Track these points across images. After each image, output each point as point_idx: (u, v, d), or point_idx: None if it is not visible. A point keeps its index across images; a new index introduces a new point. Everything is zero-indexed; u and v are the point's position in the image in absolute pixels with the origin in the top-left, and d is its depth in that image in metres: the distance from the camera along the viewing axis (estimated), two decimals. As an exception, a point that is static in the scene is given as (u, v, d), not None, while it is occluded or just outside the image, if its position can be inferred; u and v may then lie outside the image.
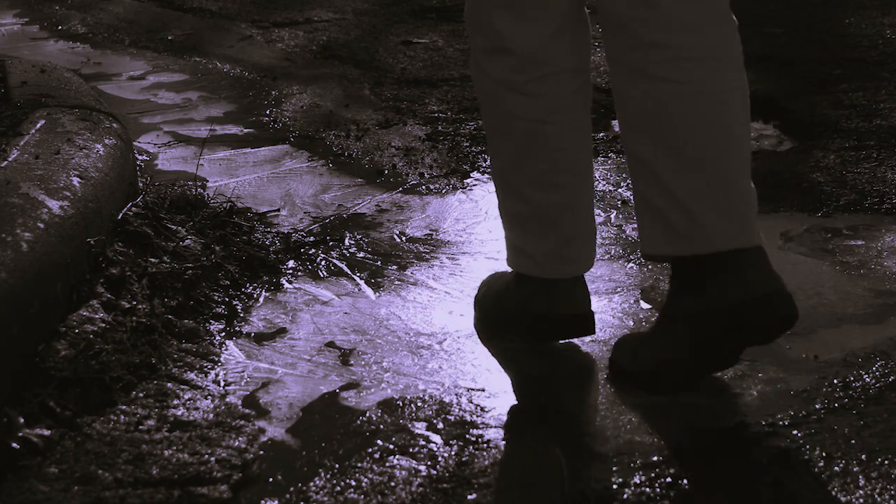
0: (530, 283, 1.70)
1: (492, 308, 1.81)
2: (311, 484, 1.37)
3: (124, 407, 1.52)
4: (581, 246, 1.69)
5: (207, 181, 2.54)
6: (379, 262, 2.09)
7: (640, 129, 1.56)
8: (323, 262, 2.09)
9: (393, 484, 1.38)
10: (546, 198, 1.65)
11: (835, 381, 1.62)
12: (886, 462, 1.40)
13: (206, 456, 1.42)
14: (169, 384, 1.60)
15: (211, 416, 1.52)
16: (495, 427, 1.51)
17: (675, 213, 1.53)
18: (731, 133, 1.55)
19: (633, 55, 1.54)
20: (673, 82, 1.52)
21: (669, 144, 1.53)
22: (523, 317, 1.72)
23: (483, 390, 1.62)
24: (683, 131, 1.52)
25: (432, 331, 1.81)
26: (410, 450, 1.45)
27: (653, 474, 1.39)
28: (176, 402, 1.55)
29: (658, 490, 1.36)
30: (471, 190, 2.49)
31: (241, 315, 1.85)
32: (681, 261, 1.56)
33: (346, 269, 2.06)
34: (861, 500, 1.33)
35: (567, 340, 1.75)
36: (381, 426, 1.51)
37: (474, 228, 2.27)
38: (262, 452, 1.44)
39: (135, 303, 1.74)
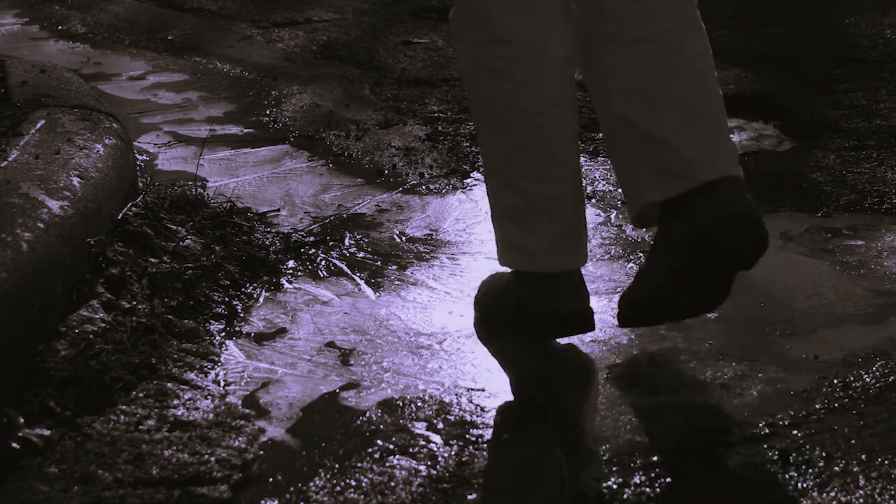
0: (529, 279, 1.70)
1: (492, 307, 1.81)
2: (311, 484, 1.37)
3: (124, 407, 1.52)
4: (577, 239, 1.70)
5: (207, 181, 2.54)
6: (379, 262, 2.09)
7: (619, 92, 1.63)
8: (323, 262, 2.09)
9: (393, 484, 1.38)
10: (544, 190, 1.65)
11: (835, 381, 1.62)
12: (886, 462, 1.40)
13: (206, 456, 1.42)
14: (169, 384, 1.60)
15: (211, 416, 1.52)
16: (495, 427, 1.51)
17: (663, 155, 1.60)
18: (706, 80, 1.66)
19: (608, 27, 1.64)
20: (646, 41, 1.63)
21: (648, 96, 1.61)
22: (524, 315, 1.71)
23: (483, 390, 1.62)
24: (663, 82, 1.62)
25: (432, 331, 1.81)
26: (410, 450, 1.45)
27: (653, 474, 1.39)
28: (176, 402, 1.55)
29: (658, 490, 1.36)
30: (471, 190, 2.49)
31: (241, 315, 1.85)
32: (669, 200, 1.62)
33: (346, 269, 2.06)
34: (861, 500, 1.33)
35: (567, 340, 1.75)
36: (381, 426, 1.51)
37: (474, 228, 2.27)
38: (262, 452, 1.44)
39: (135, 303, 1.74)
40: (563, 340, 1.76)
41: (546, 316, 1.70)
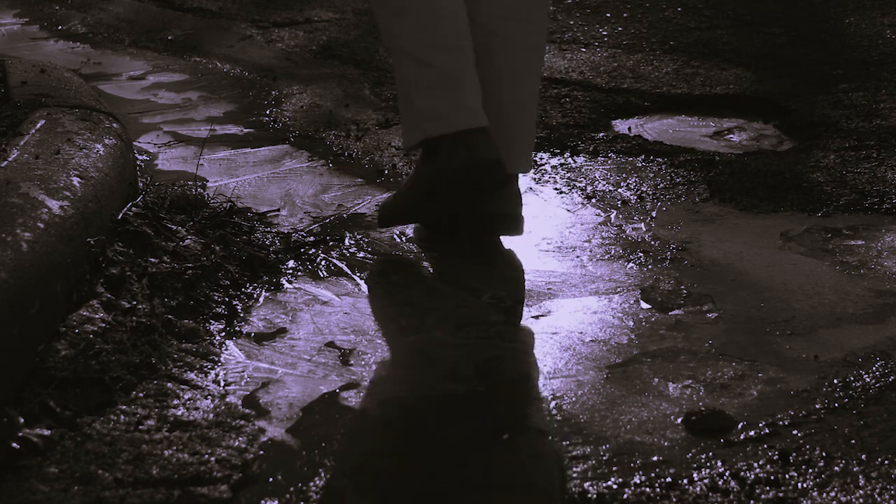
0: (444, 146, 1.95)
1: (401, 202, 2.09)
2: (311, 484, 1.37)
3: (124, 407, 1.52)
4: (479, 100, 1.96)
5: (207, 181, 2.54)
6: (379, 263, 2.09)
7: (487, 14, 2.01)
8: (323, 262, 2.09)
9: (393, 483, 1.38)
10: (451, 59, 1.93)
11: (835, 381, 1.62)
12: (886, 462, 1.40)
13: (206, 456, 1.42)
14: (169, 384, 1.60)
15: (211, 416, 1.52)
16: (495, 427, 1.51)
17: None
18: (530, 82, 2.06)
19: (471, 6, 2.00)
20: (493, 35, 1.98)
21: (484, 81, 1.98)
22: (450, 179, 1.96)
23: (483, 390, 1.62)
24: (494, 72, 2.00)
25: (432, 331, 1.81)
26: (410, 450, 1.45)
27: (653, 474, 1.39)
28: (176, 402, 1.55)
29: (658, 490, 1.36)
30: (471, 190, 2.49)
31: (241, 315, 1.85)
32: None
33: (346, 269, 2.06)
34: (861, 500, 1.33)
35: (567, 340, 1.76)
36: (381, 426, 1.51)
37: (474, 228, 2.26)
38: (262, 452, 1.44)
39: (135, 303, 1.74)
40: (564, 342, 1.77)
41: (467, 167, 1.93)
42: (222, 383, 1.62)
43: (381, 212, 2.15)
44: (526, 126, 2.07)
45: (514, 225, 2.08)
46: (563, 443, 1.47)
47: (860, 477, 1.38)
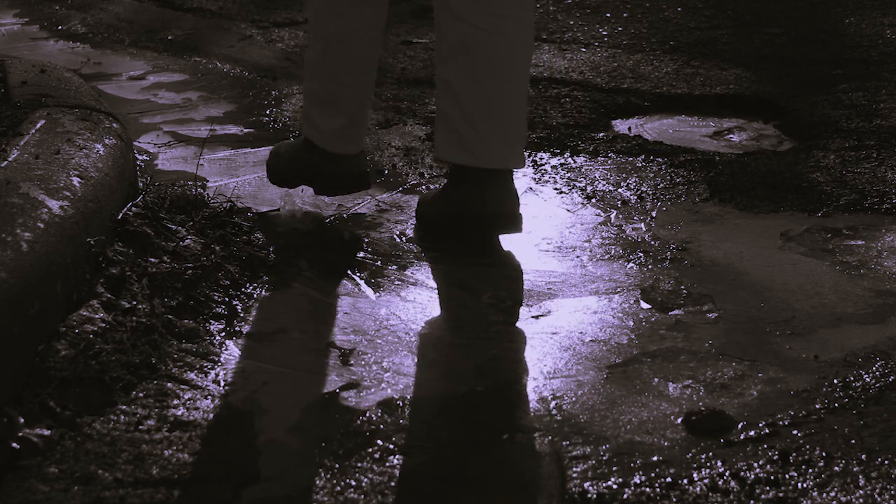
0: (317, 150, 2.27)
1: (285, 163, 2.36)
2: (311, 484, 1.37)
3: (124, 407, 1.52)
4: (358, 132, 2.25)
5: (207, 181, 2.54)
6: (379, 262, 2.09)
7: (452, 59, 2.06)
8: (323, 263, 2.09)
9: (393, 484, 1.38)
10: (341, 90, 2.21)
11: (835, 381, 1.62)
12: (886, 462, 1.40)
13: (206, 456, 1.42)
14: (169, 384, 1.60)
15: (211, 416, 1.52)
16: (495, 427, 1.51)
17: (466, 129, 2.06)
18: (520, 77, 2.09)
19: (458, 4, 2.03)
20: (483, 31, 2.02)
21: (472, 75, 2.04)
22: (316, 175, 2.29)
23: (483, 390, 1.62)
24: (483, 66, 2.03)
25: (432, 331, 1.81)
26: (410, 450, 1.45)
27: (653, 474, 1.39)
28: (176, 402, 1.55)
29: (658, 490, 1.36)
30: (471, 190, 2.49)
31: (241, 315, 1.85)
32: (460, 167, 2.11)
33: (346, 269, 2.06)
34: (861, 500, 1.33)
35: (567, 340, 1.76)
36: (381, 426, 1.51)
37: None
38: (262, 452, 1.44)
39: (135, 303, 1.74)
40: (564, 342, 1.77)
41: (335, 177, 2.28)
42: (222, 383, 1.62)
43: (274, 164, 2.40)
44: (518, 121, 2.10)
45: (513, 223, 2.13)
46: (563, 443, 1.47)
47: (860, 477, 1.38)
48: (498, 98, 2.06)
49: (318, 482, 1.38)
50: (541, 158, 2.70)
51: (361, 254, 2.13)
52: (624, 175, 2.57)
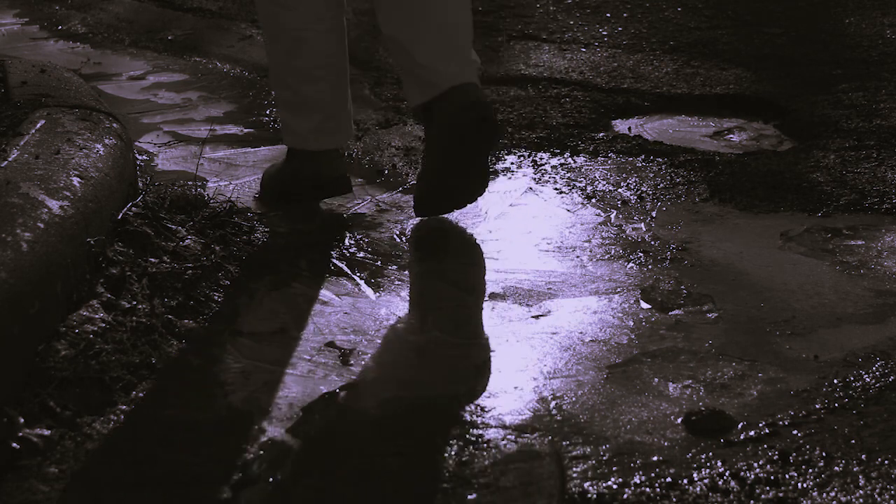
0: (299, 155, 2.28)
1: (271, 184, 2.38)
2: (311, 484, 1.37)
3: (124, 407, 1.52)
4: (337, 124, 2.26)
5: (207, 181, 2.54)
6: (379, 262, 2.09)
7: (393, 17, 2.11)
8: (323, 262, 2.09)
9: (392, 483, 1.38)
10: (309, 88, 2.20)
11: (835, 381, 1.62)
12: (886, 462, 1.40)
13: (206, 456, 1.42)
14: (169, 384, 1.60)
15: (211, 416, 1.52)
16: (495, 427, 1.52)
17: (425, 74, 2.11)
18: (459, 9, 2.13)
19: None
20: None
21: (411, 23, 2.10)
22: (298, 184, 2.30)
23: (483, 390, 1.62)
24: (424, 14, 2.10)
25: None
26: (410, 449, 1.45)
27: (653, 474, 1.39)
28: (176, 401, 1.55)
29: (658, 490, 1.36)
30: (471, 190, 2.49)
31: (241, 315, 1.85)
32: (427, 103, 2.14)
33: (346, 269, 2.06)
34: (861, 500, 1.33)
35: (567, 340, 1.76)
36: (382, 426, 1.51)
37: (474, 228, 2.27)
38: (262, 452, 1.44)
39: (135, 303, 1.74)
40: (564, 342, 1.77)
41: (313, 183, 2.28)
42: (222, 383, 1.62)
43: (262, 184, 2.42)
44: (464, 37, 2.16)
45: (495, 126, 2.15)
46: (563, 443, 1.47)
47: (860, 477, 1.38)
48: (443, 20, 2.12)
49: (318, 482, 1.38)
50: (541, 158, 2.70)
51: (361, 254, 2.13)
52: (624, 175, 2.57)
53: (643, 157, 2.70)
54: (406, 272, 2.05)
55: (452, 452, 1.45)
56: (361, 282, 2.01)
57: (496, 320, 1.85)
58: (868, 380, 1.62)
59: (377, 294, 1.96)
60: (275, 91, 2.30)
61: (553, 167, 2.64)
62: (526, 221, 2.30)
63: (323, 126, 2.24)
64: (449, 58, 2.11)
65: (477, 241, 2.20)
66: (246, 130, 3.01)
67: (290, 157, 2.32)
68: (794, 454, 1.43)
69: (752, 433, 1.48)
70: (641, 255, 2.11)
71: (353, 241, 2.19)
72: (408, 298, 1.94)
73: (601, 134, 2.92)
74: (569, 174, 2.59)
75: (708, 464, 1.42)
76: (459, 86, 2.09)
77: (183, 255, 1.96)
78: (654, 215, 2.32)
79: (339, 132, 2.29)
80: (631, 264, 2.07)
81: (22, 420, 1.42)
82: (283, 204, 2.34)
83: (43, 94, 2.39)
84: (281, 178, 2.35)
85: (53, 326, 1.59)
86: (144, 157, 2.74)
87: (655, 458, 1.43)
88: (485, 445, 1.47)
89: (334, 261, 2.10)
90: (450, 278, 2.03)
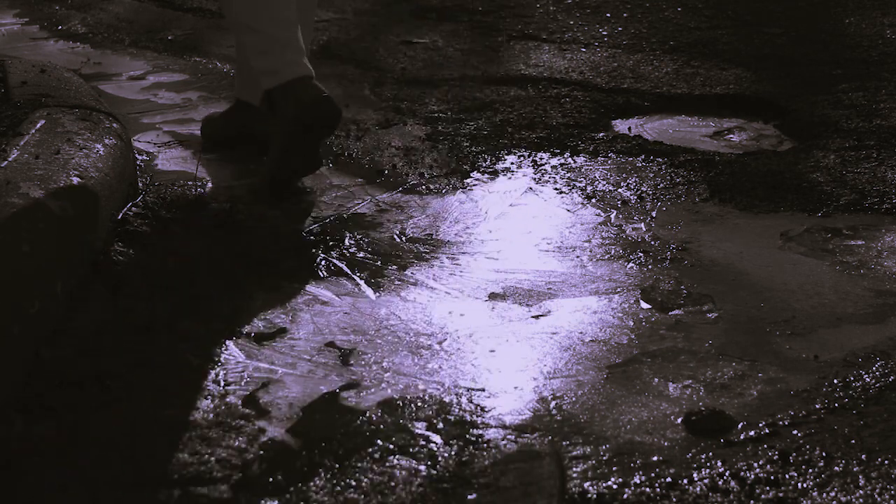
0: (278, 97, 2.36)
1: (221, 130, 2.66)
2: (311, 484, 1.37)
3: (124, 407, 1.52)
4: (304, 58, 2.38)
5: (207, 181, 2.54)
6: (379, 262, 2.09)
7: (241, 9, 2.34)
8: (323, 262, 2.09)
9: (393, 484, 1.38)
10: (278, 26, 2.34)
11: (835, 381, 1.62)
12: (886, 462, 1.40)
13: (206, 456, 1.42)
14: (169, 384, 1.60)
15: (211, 416, 1.52)
16: (495, 427, 1.52)
17: (269, 62, 2.34)
18: (282, 11, 2.35)
19: None
20: None
21: (249, 27, 2.35)
22: (288, 122, 2.34)
23: (483, 390, 1.62)
24: (251, 16, 2.34)
25: (432, 331, 1.81)
26: (410, 450, 1.45)
27: (653, 474, 1.39)
28: (176, 401, 1.55)
29: (658, 490, 1.36)
30: (471, 190, 2.49)
31: (241, 315, 1.85)
32: (265, 95, 2.39)
33: (346, 269, 2.06)
34: (861, 500, 1.33)
35: (567, 340, 1.76)
36: (381, 426, 1.51)
37: (474, 228, 2.27)
38: (262, 452, 1.44)
39: (135, 303, 1.74)
40: (564, 342, 1.77)
41: (297, 113, 2.33)
42: (222, 383, 1.62)
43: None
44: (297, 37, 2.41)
45: (332, 108, 2.36)
46: (563, 443, 1.47)
47: (860, 477, 1.38)
48: (271, 35, 2.36)
49: (318, 482, 1.38)
50: (541, 158, 2.70)
51: (361, 254, 2.13)
52: (624, 175, 2.57)
53: (643, 157, 2.70)
54: (406, 272, 2.05)
55: (452, 452, 1.45)
56: (361, 282, 2.01)
57: (496, 320, 1.85)
58: (868, 380, 1.62)
59: (377, 294, 1.96)
60: (244, 45, 2.41)
61: (553, 167, 2.64)
62: (526, 221, 2.30)
63: (293, 58, 2.36)
64: (291, 51, 2.36)
65: (477, 241, 2.20)
66: (246, 130, 3.00)
67: (271, 114, 2.42)
68: (794, 454, 1.43)
69: (752, 433, 1.48)
70: (641, 255, 2.11)
71: (353, 241, 2.19)
72: (408, 298, 1.94)
73: (601, 134, 2.92)
74: (569, 174, 2.59)
75: (708, 464, 1.42)
76: (303, 78, 2.34)
77: (183, 254, 1.96)
78: (654, 215, 2.32)
79: (307, 64, 2.41)
80: (631, 264, 2.07)
81: (22, 420, 1.42)
82: (239, 145, 2.61)
83: (43, 94, 2.39)
84: (227, 126, 2.60)
85: (53, 326, 1.59)
86: (144, 157, 2.73)
87: (655, 458, 1.43)
88: (485, 445, 1.47)
89: (334, 261, 2.10)
90: (449, 278, 2.03)
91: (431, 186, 2.52)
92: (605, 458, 1.43)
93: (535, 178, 2.56)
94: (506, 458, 1.44)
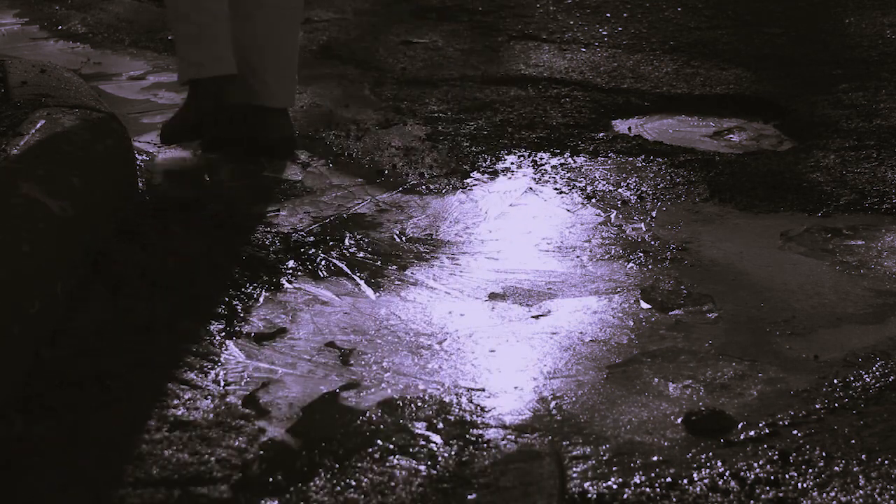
0: (200, 86, 2.59)
1: (178, 123, 2.68)
2: (311, 484, 1.37)
3: (124, 407, 1.52)
4: (229, 54, 2.57)
5: (207, 181, 2.54)
6: (379, 262, 2.09)
7: (241, 22, 2.61)
8: (323, 262, 2.09)
9: (393, 484, 1.38)
10: (208, 18, 2.52)
11: (835, 381, 1.62)
12: (886, 462, 1.40)
13: (206, 456, 1.42)
14: (169, 384, 1.60)
15: (211, 416, 1.52)
16: (495, 427, 1.52)
17: (263, 86, 2.67)
18: (292, 35, 2.69)
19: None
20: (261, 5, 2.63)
21: (258, 43, 2.64)
22: (199, 116, 2.61)
23: (483, 390, 1.62)
24: (264, 30, 2.64)
25: (432, 331, 1.81)
26: (410, 450, 1.45)
27: (653, 474, 1.39)
28: (176, 402, 1.55)
29: (658, 490, 1.36)
30: (471, 190, 2.49)
31: (241, 315, 1.85)
32: (248, 107, 2.69)
33: (346, 269, 2.06)
34: (861, 500, 1.33)
35: (567, 340, 1.76)
36: (381, 426, 1.51)
37: (474, 228, 2.27)
38: (262, 452, 1.44)
39: (135, 303, 1.74)
40: (564, 342, 1.77)
41: (215, 109, 2.60)
42: (222, 383, 1.62)
43: (163, 131, 2.71)
44: (288, 70, 2.70)
45: (290, 146, 2.72)
46: (563, 443, 1.47)
47: (860, 477, 1.38)
48: (273, 54, 2.66)
49: (318, 482, 1.38)
50: (541, 158, 2.70)
51: (361, 254, 2.13)
52: (624, 175, 2.57)
53: (643, 157, 2.70)
54: (406, 272, 2.05)
55: (452, 452, 1.45)
56: (361, 282, 2.01)
57: (496, 320, 1.85)
58: (868, 380, 1.62)
59: (377, 294, 1.96)
60: (177, 32, 2.58)
61: (553, 167, 2.64)
62: (526, 221, 2.30)
63: (220, 53, 2.56)
64: (283, 82, 2.68)
65: (477, 241, 2.20)
66: (246, 130, 3.00)
67: (191, 94, 2.63)
68: (794, 454, 1.43)
69: (752, 433, 1.48)
70: (641, 255, 2.11)
71: (353, 241, 2.19)
72: (408, 298, 1.94)
73: (601, 134, 2.92)
74: (569, 174, 2.59)
75: (708, 464, 1.42)
76: (282, 110, 2.70)
77: (183, 254, 1.96)
78: (654, 215, 2.32)
79: (231, 61, 2.59)
80: (631, 264, 2.07)
81: (22, 420, 1.42)
82: (188, 139, 2.72)
83: (43, 94, 2.39)
84: (186, 116, 2.67)
85: (53, 326, 1.59)
86: (144, 157, 2.73)
87: (655, 458, 1.43)
88: (485, 445, 1.47)
89: (334, 261, 2.10)
90: (449, 278, 2.03)
91: (431, 186, 2.52)
92: (605, 458, 1.43)
93: (535, 178, 2.56)
94: (506, 458, 1.44)
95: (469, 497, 1.35)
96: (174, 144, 2.74)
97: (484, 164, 2.66)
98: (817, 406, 1.55)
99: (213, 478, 1.38)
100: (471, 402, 1.58)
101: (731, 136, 2.96)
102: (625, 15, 4.39)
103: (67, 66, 3.30)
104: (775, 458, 1.42)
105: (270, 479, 1.38)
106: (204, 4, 2.54)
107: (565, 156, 2.73)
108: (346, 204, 2.41)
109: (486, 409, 1.56)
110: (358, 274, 2.04)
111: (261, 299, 1.92)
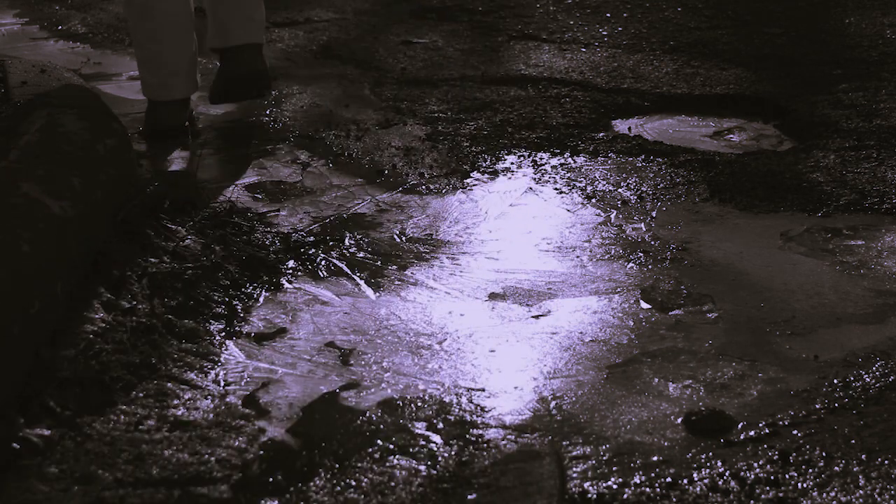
0: (153, 105, 2.81)
1: (146, 125, 2.85)
2: (311, 484, 1.37)
3: (124, 407, 1.52)
4: (182, 80, 2.77)
5: (207, 181, 2.54)
6: (379, 262, 2.09)
7: None
8: (323, 262, 2.09)
9: (393, 484, 1.38)
10: (153, 48, 2.71)
11: (835, 381, 1.62)
12: (886, 462, 1.40)
13: (206, 456, 1.42)
14: (169, 384, 1.60)
15: (211, 416, 1.52)
16: (495, 427, 1.52)
17: (222, 25, 2.83)
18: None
19: None
20: None
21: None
22: (153, 124, 2.82)
23: (483, 390, 1.62)
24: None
25: (432, 331, 1.81)
26: (410, 450, 1.45)
27: (653, 474, 1.39)
28: (176, 402, 1.55)
29: (658, 490, 1.36)
30: (471, 190, 2.49)
31: (241, 315, 1.85)
32: (221, 51, 2.87)
33: (346, 269, 2.06)
34: (861, 500, 1.33)
35: (567, 340, 1.76)
36: (381, 426, 1.52)
37: (474, 228, 2.27)
38: (262, 452, 1.44)
39: (135, 303, 1.74)
40: (564, 342, 1.77)
41: (163, 126, 2.81)
42: (222, 383, 1.62)
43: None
44: (255, 8, 2.85)
45: (259, 79, 2.88)
46: (563, 443, 1.47)
47: (860, 477, 1.38)
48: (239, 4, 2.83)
49: (318, 482, 1.38)
50: (541, 158, 2.70)
51: (361, 254, 2.13)
52: (624, 175, 2.57)
53: (643, 157, 2.70)
54: (406, 272, 2.05)
55: (452, 452, 1.45)
56: (361, 282, 2.01)
57: (496, 320, 1.85)
58: (868, 380, 1.62)
59: (377, 294, 1.96)
60: (135, 52, 2.77)
61: (553, 167, 2.64)
62: (526, 221, 2.30)
63: (167, 81, 2.73)
64: (243, 18, 2.80)
65: (477, 241, 2.20)
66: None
67: (150, 106, 2.83)
68: (794, 454, 1.43)
69: (752, 433, 1.49)
70: (641, 255, 2.11)
71: (353, 241, 2.19)
72: (408, 298, 1.94)
73: (601, 134, 2.92)
74: (569, 174, 2.59)
75: (708, 464, 1.42)
76: (248, 45, 2.82)
77: (183, 255, 1.96)
78: (654, 215, 2.32)
79: (183, 87, 2.78)
80: (631, 264, 2.07)
81: (22, 420, 1.42)
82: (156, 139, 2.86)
83: (43, 94, 2.39)
84: (148, 120, 2.86)
85: (53, 326, 1.59)
86: (144, 158, 2.73)
87: (655, 458, 1.43)
88: (485, 445, 1.47)
89: (334, 261, 2.10)
90: (449, 278, 2.03)
91: (431, 186, 2.52)
92: (605, 458, 1.43)
93: (535, 178, 2.56)
94: (506, 458, 1.44)
95: (469, 497, 1.35)
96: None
97: (484, 164, 2.66)
98: (817, 406, 1.55)
99: (213, 478, 1.38)
100: (471, 402, 1.58)
101: (731, 136, 2.96)
102: (625, 15, 4.39)
103: (67, 66, 3.30)
104: (775, 458, 1.42)
105: (270, 479, 1.38)
106: (165, 32, 2.71)
107: (565, 156, 2.73)
108: (346, 204, 2.41)
109: (486, 409, 1.56)
110: (358, 274, 2.04)
111: (261, 299, 1.92)
